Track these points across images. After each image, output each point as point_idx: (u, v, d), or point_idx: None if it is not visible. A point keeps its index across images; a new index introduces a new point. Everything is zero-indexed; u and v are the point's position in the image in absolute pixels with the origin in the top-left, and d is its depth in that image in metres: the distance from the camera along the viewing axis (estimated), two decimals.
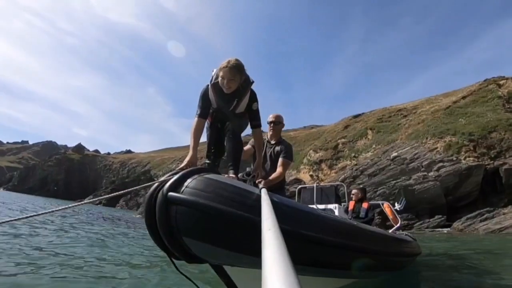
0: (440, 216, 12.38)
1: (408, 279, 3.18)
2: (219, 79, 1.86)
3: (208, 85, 1.98)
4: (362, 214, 4.29)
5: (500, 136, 14.74)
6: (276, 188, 2.42)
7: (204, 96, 1.98)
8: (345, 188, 5.86)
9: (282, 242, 0.43)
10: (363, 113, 29.19)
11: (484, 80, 22.76)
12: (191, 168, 1.44)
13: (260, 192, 1.34)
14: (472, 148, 14.52)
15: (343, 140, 24.88)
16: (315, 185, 4.84)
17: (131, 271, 3.04)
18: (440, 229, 11.49)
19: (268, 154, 2.65)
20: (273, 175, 2.41)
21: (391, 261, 2.45)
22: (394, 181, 15.25)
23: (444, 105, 21.57)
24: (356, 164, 19.92)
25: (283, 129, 2.84)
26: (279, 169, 2.47)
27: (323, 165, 23.36)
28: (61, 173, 50.26)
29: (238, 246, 1.29)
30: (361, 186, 5.71)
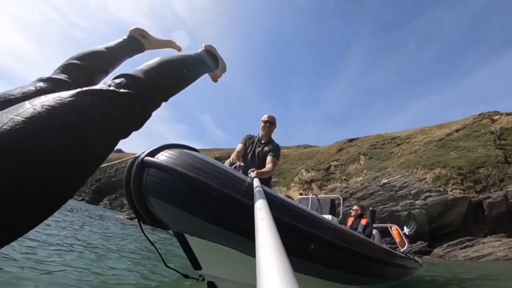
0: (422, 242, 12.56)
1: None
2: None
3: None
4: (359, 230, 4.17)
5: (488, 172, 14.99)
6: (263, 183, 2.46)
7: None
8: (341, 201, 5.87)
9: (276, 233, 0.43)
10: (357, 138, 29.53)
11: (479, 114, 23.23)
12: (172, 143, 1.51)
13: (252, 181, 1.43)
14: (459, 181, 14.72)
15: (335, 162, 24.99)
16: (311, 196, 4.85)
17: None
18: (425, 256, 11.57)
19: (256, 153, 2.68)
20: (265, 169, 2.41)
21: (373, 266, 2.47)
22: (382, 206, 15.32)
23: (437, 136, 21.94)
24: (346, 187, 19.99)
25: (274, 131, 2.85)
26: (269, 165, 2.49)
27: (313, 185, 23.34)
28: None
29: (199, 210, 1.34)
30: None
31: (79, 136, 0.52)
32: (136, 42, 1.07)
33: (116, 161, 2.83)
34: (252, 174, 1.72)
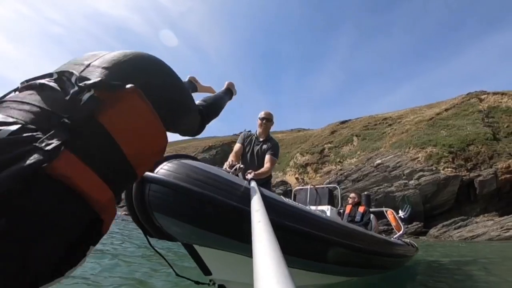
0: (418, 222, 12.86)
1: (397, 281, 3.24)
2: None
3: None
4: (357, 218, 4.25)
5: (477, 149, 15.35)
6: (263, 183, 2.46)
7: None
8: (339, 191, 5.89)
9: (273, 234, 0.42)
10: (349, 120, 29.67)
11: (467, 94, 23.56)
12: (171, 154, 1.54)
13: (250, 183, 1.43)
14: (450, 160, 15.05)
15: (329, 145, 25.19)
16: (309, 186, 4.90)
17: None
18: (421, 237, 11.90)
19: (255, 151, 2.65)
20: (262, 170, 2.41)
21: (374, 259, 2.56)
22: (377, 187, 15.61)
23: (427, 116, 22.20)
24: (341, 169, 20.25)
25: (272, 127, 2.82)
26: (267, 165, 2.48)
27: (308, 169, 23.58)
28: None
29: (204, 223, 1.37)
30: (358, 192, 5.76)
31: (183, 118, 0.93)
32: (193, 85, 1.57)
33: None
34: (249, 177, 1.72)
